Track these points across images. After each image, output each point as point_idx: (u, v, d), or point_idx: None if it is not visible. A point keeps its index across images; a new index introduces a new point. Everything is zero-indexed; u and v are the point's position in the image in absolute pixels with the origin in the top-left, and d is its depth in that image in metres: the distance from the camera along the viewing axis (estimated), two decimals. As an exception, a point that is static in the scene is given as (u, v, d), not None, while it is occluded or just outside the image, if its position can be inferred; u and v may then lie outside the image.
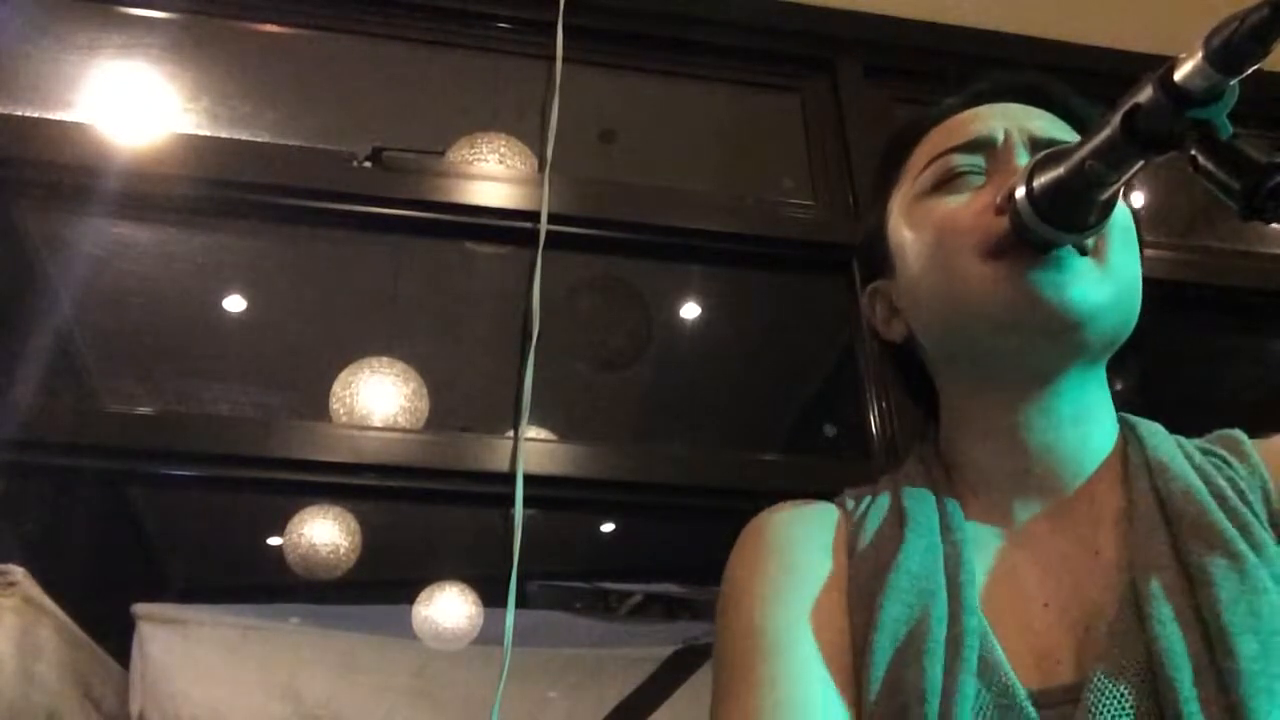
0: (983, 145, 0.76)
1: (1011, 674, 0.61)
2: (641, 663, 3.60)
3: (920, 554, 0.67)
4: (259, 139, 1.88)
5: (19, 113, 1.73)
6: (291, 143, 1.92)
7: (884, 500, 0.75)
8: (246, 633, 3.39)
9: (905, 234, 0.78)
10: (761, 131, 2.29)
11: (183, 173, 1.71)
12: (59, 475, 2.06)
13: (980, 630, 0.63)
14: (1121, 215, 0.72)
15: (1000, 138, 0.76)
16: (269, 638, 3.43)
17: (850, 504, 0.77)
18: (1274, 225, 0.53)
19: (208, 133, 1.85)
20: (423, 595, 3.31)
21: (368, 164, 1.79)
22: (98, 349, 3.16)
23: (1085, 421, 0.73)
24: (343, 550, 3.10)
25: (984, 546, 0.70)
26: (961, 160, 0.76)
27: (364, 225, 1.83)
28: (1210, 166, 0.54)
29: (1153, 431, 0.74)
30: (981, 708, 0.59)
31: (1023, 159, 0.74)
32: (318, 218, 1.80)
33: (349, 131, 1.94)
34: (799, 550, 0.72)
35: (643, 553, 4.42)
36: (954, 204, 0.74)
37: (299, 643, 3.46)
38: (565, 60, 1.89)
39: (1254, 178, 0.52)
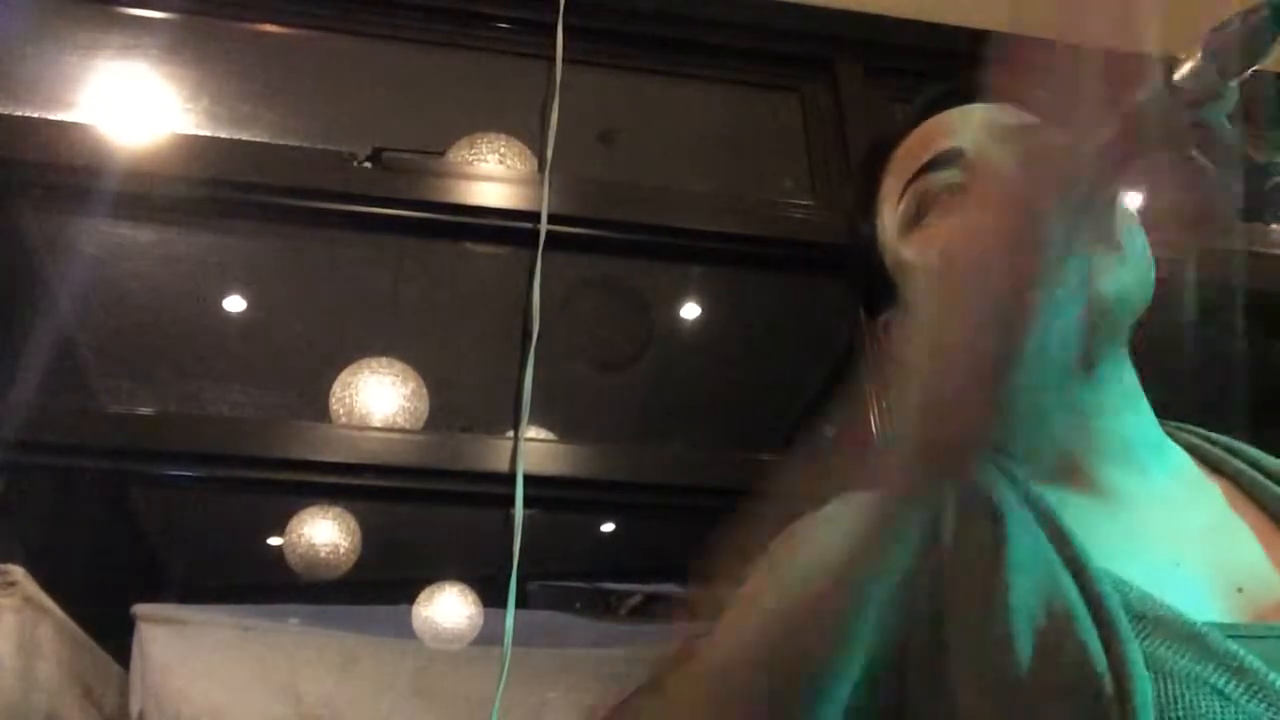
0: (953, 157, 0.75)
1: (1182, 611, 0.59)
2: (641, 663, 3.60)
3: (1020, 524, 0.64)
4: (259, 139, 1.88)
5: (19, 113, 1.73)
6: (291, 143, 1.92)
7: None
8: (246, 633, 3.39)
9: (908, 268, 0.76)
10: (761, 131, 2.29)
11: (183, 173, 1.71)
12: (59, 475, 2.06)
13: (1118, 586, 0.60)
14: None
15: (967, 145, 0.74)
16: (269, 638, 3.43)
17: None
18: (1274, 225, 0.53)
19: (208, 133, 1.85)
20: (423, 595, 3.31)
21: (368, 164, 1.79)
22: (98, 349, 3.16)
23: (1134, 399, 0.73)
24: (343, 550, 3.10)
25: (1074, 509, 0.67)
26: (936, 179, 0.74)
27: (364, 225, 1.83)
28: (1210, 168, 0.54)
29: (1211, 433, 0.76)
30: (1152, 663, 0.56)
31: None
32: (318, 218, 1.80)
33: (349, 131, 1.94)
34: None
35: (643, 553, 4.41)
36: (948, 226, 0.72)
37: (299, 643, 3.46)
38: (565, 60, 1.89)
39: (1254, 179, 0.52)
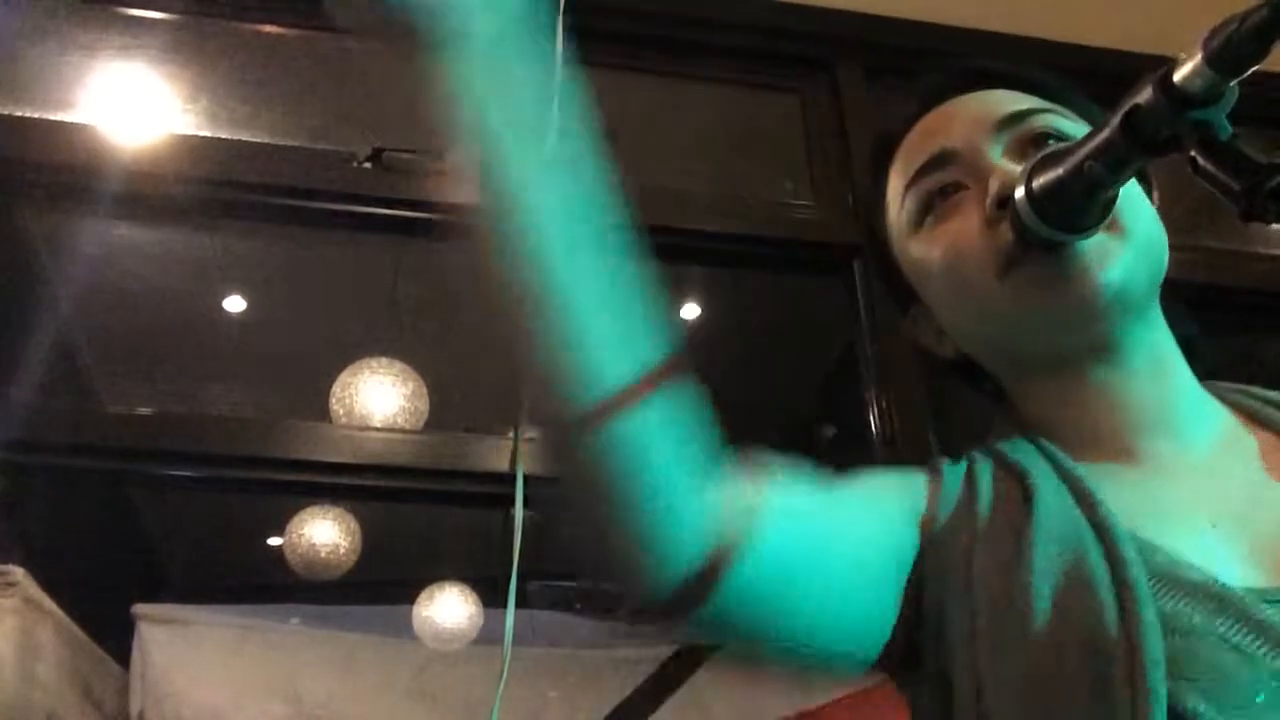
0: (947, 158, 0.75)
1: (1211, 573, 0.60)
2: (641, 663, 3.60)
3: (1052, 494, 0.66)
4: (259, 139, 1.88)
5: (19, 113, 1.73)
6: (291, 143, 1.92)
7: (983, 459, 0.73)
8: (246, 633, 3.39)
9: (917, 269, 0.77)
10: (761, 131, 2.29)
11: (183, 173, 1.71)
12: (59, 475, 2.06)
13: (1143, 551, 0.61)
14: None
15: (959, 144, 0.74)
16: (269, 638, 3.43)
17: (945, 465, 0.75)
18: (1274, 225, 0.53)
19: (207, 133, 1.85)
20: (423, 595, 3.32)
21: (368, 164, 1.79)
22: (98, 349, 3.17)
23: (1165, 365, 0.73)
24: (343, 550, 3.10)
25: (1114, 481, 0.68)
26: (932, 181, 0.75)
27: (364, 225, 1.83)
28: (1210, 167, 0.54)
29: (1257, 389, 0.76)
30: (1172, 622, 0.57)
31: (994, 155, 0.73)
32: (318, 218, 1.80)
33: (349, 131, 1.94)
34: (897, 482, 0.74)
35: (643, 553, 4.41)
36: (951, 228, 0.73)
37: (299, 643, 3.46)
38: (565, 60, 1.89)
39: (1254, 178, 0.52)
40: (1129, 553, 0.60)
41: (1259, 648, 0.56)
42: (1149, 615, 0.56)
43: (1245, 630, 0.57)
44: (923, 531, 0.69)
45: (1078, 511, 0.64)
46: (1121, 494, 0.66)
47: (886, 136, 0.82)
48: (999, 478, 0.69)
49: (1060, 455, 0.69)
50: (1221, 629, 0.57)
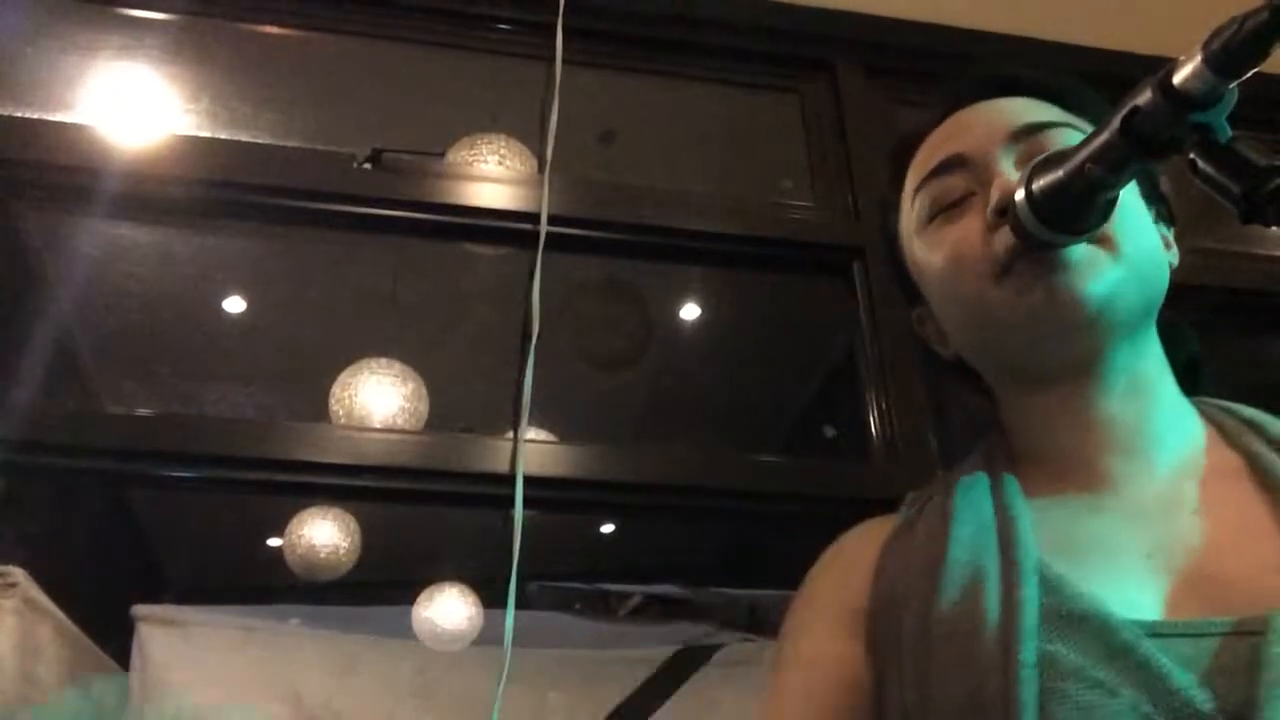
0: (958, 163, 0.76)
1: (1107, 608, 0.60)
2: (641, 663, 3.59)
3: (968, 541, 0.67)
4: (259, 139, 1.88)
5: (19, 113, 1.73)
6: (291, 143, 1.92)
7: (936, 499, 0.74)
8: (246, 633, 3.39)
9: (920, 269, 0.79)
10: (761, 131, 2.29)
11: (183, 173, 1.71)
12: (59, 476, 2.06)
13: (1049, 589, 0.62)
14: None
15: (972, 151, 0.75)
16: (269, 639, 3.42)
17: (902, 512, 0.77)
18: (1274, 228, 0.53)
19: (208, 133, 1.85)
20: (422, 596, 3.31)
21: (368, 165, 1.79)
22: (98, 349, 3.16)
23: (1145, 388, 0.73)
24: (342, 551, 3.10)
25: (1059, 512, 0.69)
26: (942, 186, 0.76)
27: (364, 226, 1.83)
28: (1209, 170, 0.54)
29: (1239, 407, 0.76)
30: (1054, 662, 0.58)
31: (1003, 164, 0.73)
32: (318, 218, 1.80)
33: (349, 132, 1.94)
34: (828, 583, 0.77)
35: (643, 553, 4.42)
36: (954, 232, 0.74)
37: (299, 644, 3.46)
38: (565, 61, 1.89)
39: (1253, 181, 0.52)
40: (1027, 593, 0.61)
41: (1126, 685, 0.56)
42: (1028, 657, 0.57)
43: (1118, 667, 0.57)
44: (866, 626, 0.71)
45: (994, 553, 0.65)
46: (1061, 527, 0.67)
47: (909, 137, 0.82)
48: (933, 523, 0.71)
49: (1010, 490, 0.70)
50: (1097, 668, 0.57)
